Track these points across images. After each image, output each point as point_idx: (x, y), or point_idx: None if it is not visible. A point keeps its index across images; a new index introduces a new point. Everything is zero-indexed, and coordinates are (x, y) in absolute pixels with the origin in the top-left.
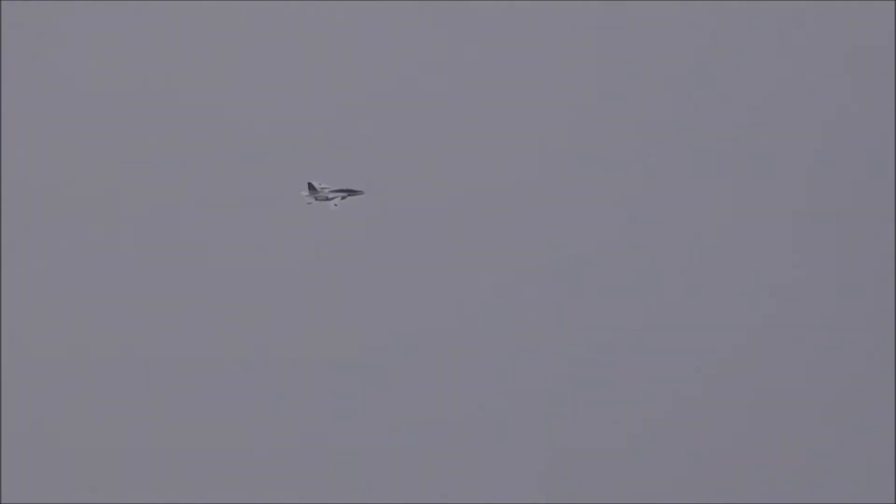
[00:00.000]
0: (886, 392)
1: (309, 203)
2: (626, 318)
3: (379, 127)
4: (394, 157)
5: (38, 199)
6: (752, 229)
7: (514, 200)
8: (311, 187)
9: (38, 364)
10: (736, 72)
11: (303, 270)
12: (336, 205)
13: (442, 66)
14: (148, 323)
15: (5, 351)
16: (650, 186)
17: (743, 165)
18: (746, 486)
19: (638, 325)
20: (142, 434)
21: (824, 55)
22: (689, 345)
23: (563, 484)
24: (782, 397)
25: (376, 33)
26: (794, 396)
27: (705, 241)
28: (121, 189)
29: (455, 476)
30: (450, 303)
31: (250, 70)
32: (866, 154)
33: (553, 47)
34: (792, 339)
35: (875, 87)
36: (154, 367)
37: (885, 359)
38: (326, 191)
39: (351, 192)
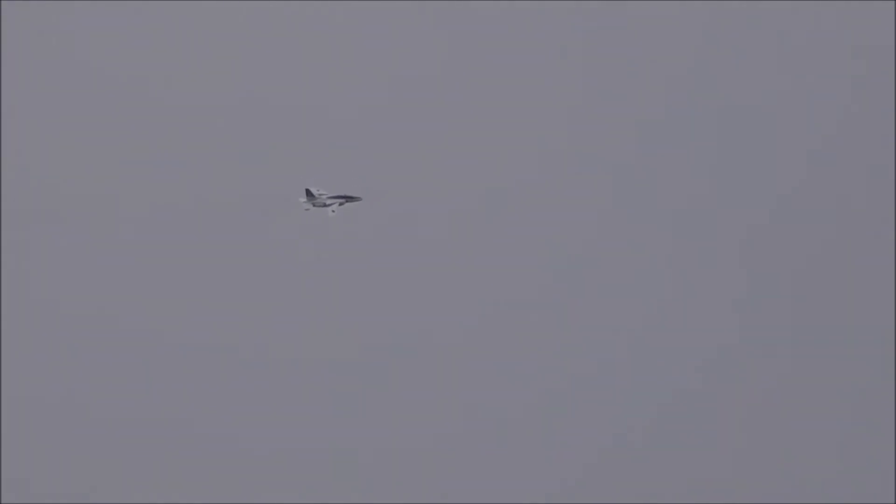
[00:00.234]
0: (886, 392)
1: (307, 209)
2: (626, 318)
3: (380, 131)
4: (393, 160)
5: (38, 199)
6: (753, 227)
7: (515, 202)
8: (308, 193)
9: (38, 364)
10: (736, 71)
11: (303, 271)
12: (334, 211)
13: (441, 69)
14: (148, 323)
15: (5, 351)
16: (651, 186)
17: (743, 164)
18: (746, 487)
19: (638, 323)
20: (142, 434)
21: (824, 55)
22: (689, 344)
23: (563, 484)
24: (782, 397)
25: (377, 36)
26: (793, 396)
27: (706, 241)
28: (121, 189)
29: (455, 476)
30: (449, 303)
31: (250, 71)
32: (866, 153)
33: (554, 47)
34: (792, 339)
35: (875, 87)
36: (154, 367)
37: (886, 357)
38: (324, 197)
39: (349, 199)
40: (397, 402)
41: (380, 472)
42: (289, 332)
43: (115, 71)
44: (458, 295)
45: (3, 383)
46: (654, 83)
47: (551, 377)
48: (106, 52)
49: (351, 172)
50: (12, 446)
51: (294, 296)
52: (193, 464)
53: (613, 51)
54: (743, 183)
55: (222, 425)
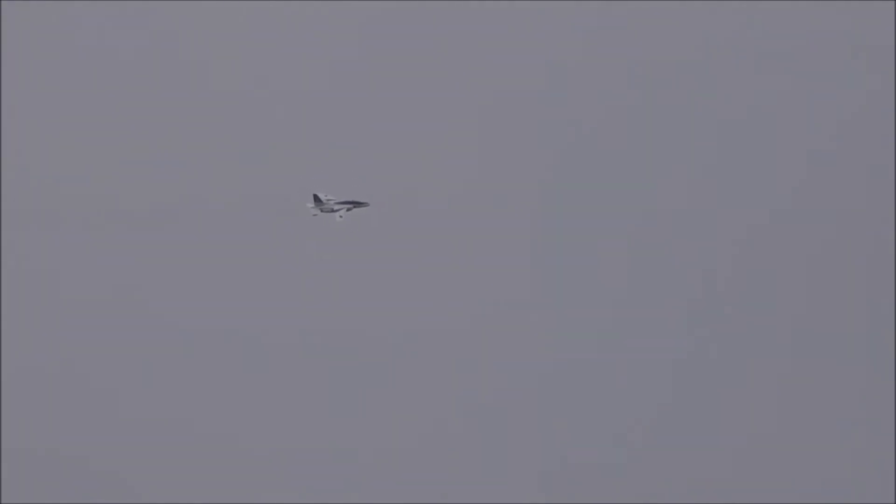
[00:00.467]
0: (887, 392)
1: (314, 215)
2: (626, 319)
3: (382, 136)
4: (396, 164)
5: (38, 199)
6: (753, 226)
7: (516, 203)
8: (316, 199)
9: (38, 366)
10: (735, 71)
11: (304, 272)
12: (341, 216)
13: (443, 72)
14: (148, 323)
15: (6, 352)
16: (653, 187)
17: (743, 164)
18: (747, 487)
19: (636, 325)
20: (141, 434)
21: (824, 55)
22: (689, 343)
23: (562, 484)
24: (782, 397)
25: (378, 36)
26: (793, 396)
27: (705, 241)
28: (121, 188)
29: (455, 476)
30: (448, 305)
31: (251, 71)
32: (866, 153)
33: (554, 48)
34: (793, 338)
35: (875, 87)
36: (153, 367)
37: (886, 355)
38: (332, 202)
39: (356, 204)
40: (396, 402)
41: (379, 471)
42: (289, 332)
43: (115, 71)
44: (456, 298)
45: (3, 384)
46: (653, 83)
47: (550, 377)
48: (106, 52)
49: (353, 174)
50: (12, 446)
51: (294, 296)
52: (194, 463)
53: (613, 51)
54: (742, 183)
55: (222, 424)
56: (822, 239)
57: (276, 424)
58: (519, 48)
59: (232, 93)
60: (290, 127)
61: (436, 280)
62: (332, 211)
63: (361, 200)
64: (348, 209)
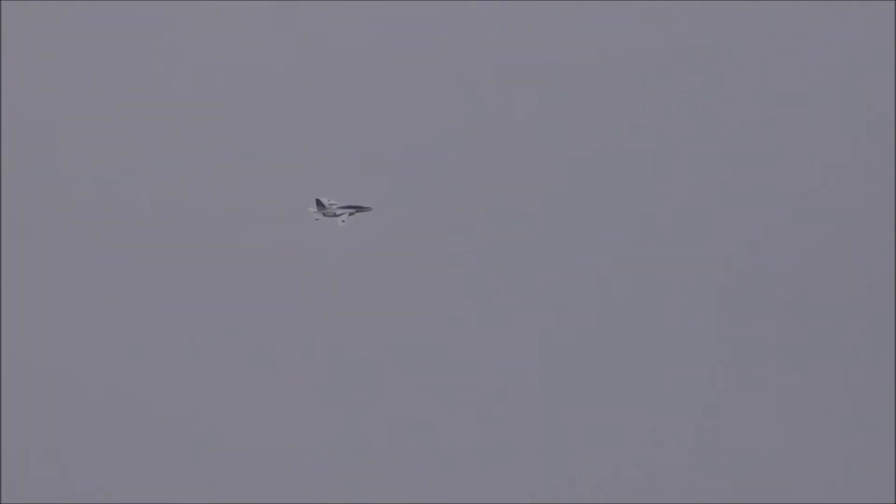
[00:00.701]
0: (887, 392)
1: (317, 219)
2: (626, 322)
3: (386, 141)
4: (400, 170)
5: (38, 199)
6: (752, 227)
7: (515, 204)
8: (319, 203)
9: (38, 366)
10: (735, 71)
11: (305, 274)
12: (343, 221)
13: (446, 76)
14: (149, 323)
15: (6, 352)
16: (656, 187)
17: (743, 163)
18: (747, 487)
19: (642, 333)
20: (142, 434)
21: (824, 55)
22: (690, 343)
23: (561, 483)
24: (782, 397)
25: (379, 37)
26: (793, 396)
27: (706, 241)
28: (121, 188)
29: (455, 476)
30: (448, 307)
31: (251, 71)
32: (866, 153)
33: (555, 49)
34: (793, 338)
35: (875, 88)
36: (153, 367)
37: (886, 354)
38: (334, 207)
39: (359, 209)
40: (397, 402)
41: (379, 471)
42: (290, 332)
43: (115, 71)
44: (456, 299)
45: (3, 385)
46: (653, 83)
47: (550, 379)
48: (106, 52)
49: (359, 188)
50: (12, 446)
51: (295, 299)
52: (193, 464)
53: (614, 51)
54: (743, 182)
55: (223, 424)
56: (821, 237)
57: (277, 425)
58: (519, 49)
59: (233, 94)
60: (291, 130)
61: (436, 282)
62: (335, 216)
63: (364, 205)
64: (350, 214)
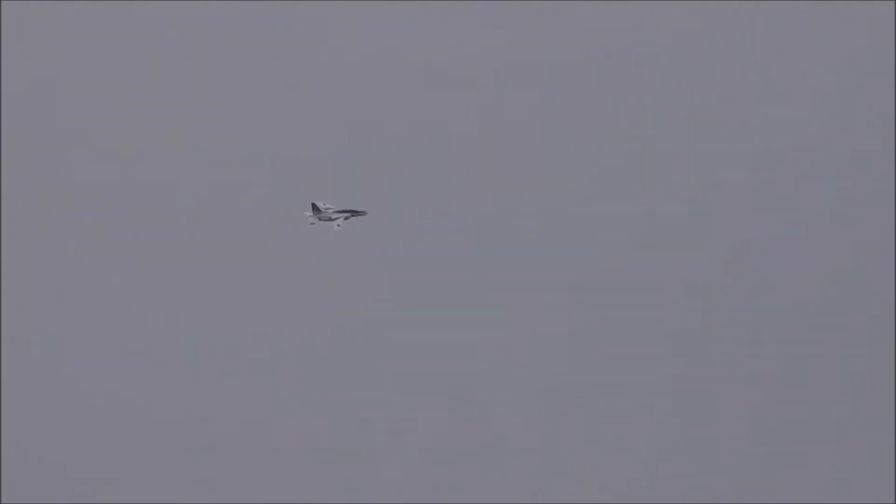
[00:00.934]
0: (887, 392)
1: (312, 223)
2: (626, 322)
3: (384, 146)
4: (398, 174)
5: (38, 200)
6: (750, 227)
7: (516, 205)
8: (314, 207)
9: (38, 367)
10: (735, 71)
11: (305, 275)
12: (339, 225)
13: (446, 77)
14: (150, 323)
15: (7, 353)
16: (656, 188)
17: (744, 162)
18: (747, 487)
19: (642, 333)
20: (142, 434)
21: (824, 55)
22: (692, 345)
23: (561, 484)
24: (782, 398)
25: (379, 37)
26: (793, 397)
27: (705, 241)
28: (121, 189)
29: (456, 476)
30: (448, 308)
31: (251, 71)
32: (866, 153)
33: (555, 49)
34: (792, 338)
35: (875, 87)
36: (153, 368)
37: (886, 355)
38: (330, 211)
39: (354, 213)
40: (397, 402)
41: (379, 471)
42: (289, 333)
43: (115, 71)
44: (457, 298)
45: (4, 384)
46: (652, 83)
47: (548, 376)
48: (106, 52)
49: (354, 193)
50: (13, 445)
51: (295, 300)
52: (194, 463)
53: (614, 51)
54: (742, 183)
55: (222, 424)
56: (820, 237)
57: (277, 425)
58: (518, 48)
59: (233, 94)
60: (291, 130)
61: (436, 283)
62: (330, 219)
63: (359, 210)
64: (346, 218)
